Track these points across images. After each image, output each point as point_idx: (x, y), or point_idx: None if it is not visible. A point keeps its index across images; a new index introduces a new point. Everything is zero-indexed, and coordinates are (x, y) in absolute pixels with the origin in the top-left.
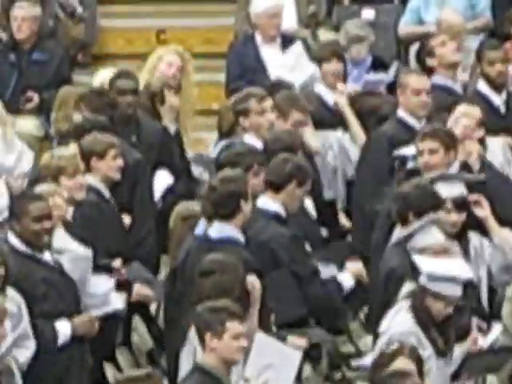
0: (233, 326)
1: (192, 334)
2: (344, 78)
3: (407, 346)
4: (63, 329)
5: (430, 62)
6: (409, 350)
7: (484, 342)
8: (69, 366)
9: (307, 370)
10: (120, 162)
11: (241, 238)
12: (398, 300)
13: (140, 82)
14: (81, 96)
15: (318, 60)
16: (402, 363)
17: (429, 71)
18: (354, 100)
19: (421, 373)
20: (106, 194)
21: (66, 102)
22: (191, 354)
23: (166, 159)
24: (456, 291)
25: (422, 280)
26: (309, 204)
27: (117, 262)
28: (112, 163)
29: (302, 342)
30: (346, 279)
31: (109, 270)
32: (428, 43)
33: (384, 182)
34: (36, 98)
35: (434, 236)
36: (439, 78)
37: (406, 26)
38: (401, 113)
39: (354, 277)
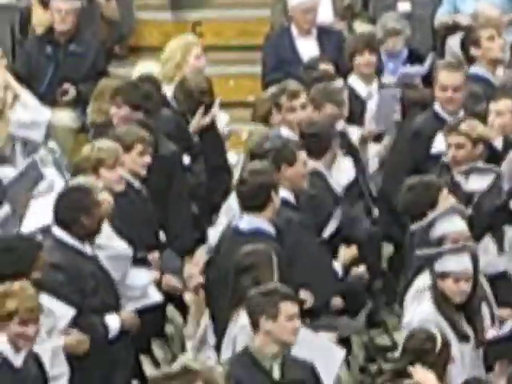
0: (286, 307)
1: (232, 325)
2: (379, 71)
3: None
4: (112, 323)
5: (475, 52)
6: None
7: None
8: (115, 361)
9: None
10: (147, 158)
11: (271, 229)
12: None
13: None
14: (117, 89)
15: (351, 52)
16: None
17: (471, 60)
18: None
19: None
20: (136, 184)
21: (102, 95)
22: (230, 344)
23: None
24: (462, 265)
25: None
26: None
27: (155, 255)
28: (137, 158)
29: (332, 337)
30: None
31: (146, 263)
32: (475, 33)
33: (410, 173)
34: (72, 90)
35: (455, 224)
36: (479, 70)
37: (442, 17)
38: (436, 106)
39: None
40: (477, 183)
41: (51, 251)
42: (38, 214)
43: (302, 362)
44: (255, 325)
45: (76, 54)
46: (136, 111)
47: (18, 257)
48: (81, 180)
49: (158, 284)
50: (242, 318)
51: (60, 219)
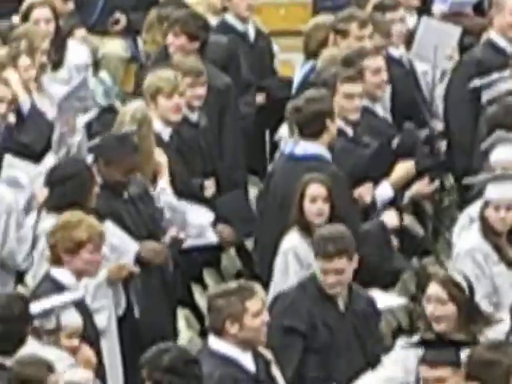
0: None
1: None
2: (427, 1)
3: (442, 272)
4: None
5: None
6: (440, 275)
7: None
8: (149, 288)
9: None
10: (201, 90)
11: (327, 154)
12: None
13: None
14: (176, 18)
15: None
16: (432, 289)
17: None
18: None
19: (457, 300)
20: (192, 117)
21: (153, 25)
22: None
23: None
24: (502, 193)
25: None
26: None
27: (209, 183)
28: (191, 90)
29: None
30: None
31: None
32: None
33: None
34: (123, 19)
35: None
36: None
37: None
38: (492, 34)
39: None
40: None
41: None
42: None
43: (365, 296)
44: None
45: None
46: (193, 41)
47: (76, 185)
48: None
49: None
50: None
51: None
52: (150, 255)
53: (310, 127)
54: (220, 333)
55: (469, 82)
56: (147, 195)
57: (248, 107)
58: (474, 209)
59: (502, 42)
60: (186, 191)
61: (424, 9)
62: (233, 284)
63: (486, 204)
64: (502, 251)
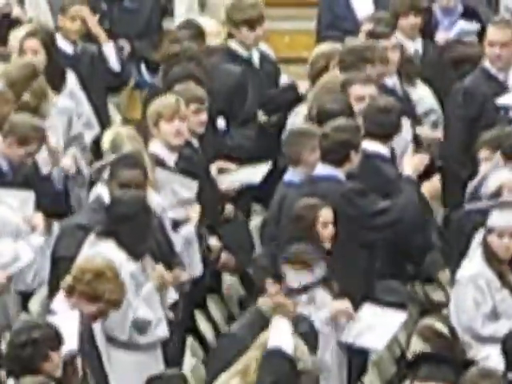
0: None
1: None
2: (433, 27)
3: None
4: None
5: None
6: (421, 329)
7: None
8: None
9: None
10: (203, 116)
11: (343, 177)
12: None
13: None
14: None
15: (395, 13)
16: (414, 344)
17: None
18: (444, 48)
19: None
20: (194, 142)
21: None
22: None
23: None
24: (505, 220)
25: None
26: None
27: (213, 241)
28: (192, 117)
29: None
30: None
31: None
32: None
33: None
34: (127, 46)
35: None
36: None
37: None
38: (486, 62)
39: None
40: None
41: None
42: None
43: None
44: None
45: (130, 10)
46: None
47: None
48: None
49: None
50: None
51: None
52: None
53: (334, 155)
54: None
55: (458, 109)
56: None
57: (246, 140)
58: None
59: (493, 70)
60: None
61: (428, 35)
62: None
63: (490, 231)
64: (504, 278)
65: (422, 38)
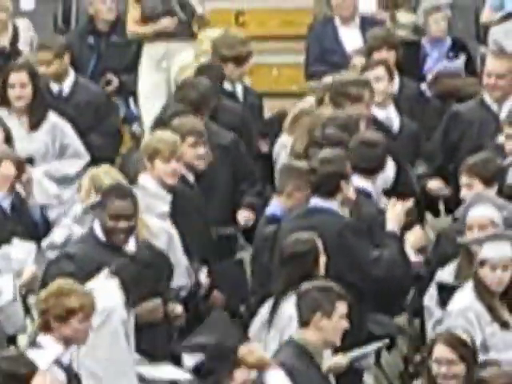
0: (341, 307)
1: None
2: (422, 59)
3: (447, 332)
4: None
5: None
6: (445, 336)
7: None
8: (153, 340)
9: (385, 354)
10: (201, 150)
11: (337, 208)
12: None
13: None
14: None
15: (370, 48)
16: (439, 350)
17: None
18: (434, 81)
19: (466, 358)
20: (191, 178)
21: None
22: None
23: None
24: (499, 253)
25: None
26: None
27: (202, 277)
28: (190, 150)
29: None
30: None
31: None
32: None
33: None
34: (115, 80)
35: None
36: None
37: (490, 13)
38: (484, 93)
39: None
40: None
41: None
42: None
43: None
44: (306, 319)
45: (118, 44)
46: None
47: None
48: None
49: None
50: (287, 309)
51: None
52: (146, 315)
53: (324, 187)
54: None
55: (445, 134)
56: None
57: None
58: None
59: (488, 100)
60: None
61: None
62: None
63: (482, 264)
64: (495, 312)
65: (400, 73)
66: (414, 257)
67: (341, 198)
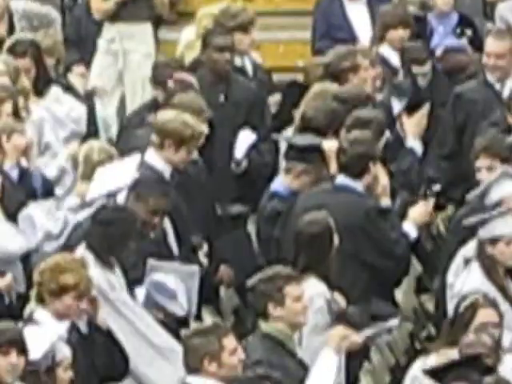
0: (291, 290)
1: None
2: (429, 34)
3: (481, 296)
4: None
5: None
6: (484, 298)
7: None
8: None
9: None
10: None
11: (361, 189)
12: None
13: None
14: None
15: (385, 26)
16: (485, 314)
17: None
18: (440, 58)
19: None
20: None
21: None
22: None
23: (254, 120)
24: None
25: (480, 233)
26: None
27: (201, 256)
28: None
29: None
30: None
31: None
32: None
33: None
34: None
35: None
36: None
37: None
38: (486, 73)
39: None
40: None
41: None
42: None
43: None
44: (264, 311)
45: None
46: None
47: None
48: None
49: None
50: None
51: None
52: None
53: (353, 168)
54: (198, 371)
55: (453, 117)
56: None
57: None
58: (468, 249)
59: (490, 79)
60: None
61: None
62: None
63: (493, 242)
64: (505, 291)
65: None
66: (415, 232)
67: (368, 180)
